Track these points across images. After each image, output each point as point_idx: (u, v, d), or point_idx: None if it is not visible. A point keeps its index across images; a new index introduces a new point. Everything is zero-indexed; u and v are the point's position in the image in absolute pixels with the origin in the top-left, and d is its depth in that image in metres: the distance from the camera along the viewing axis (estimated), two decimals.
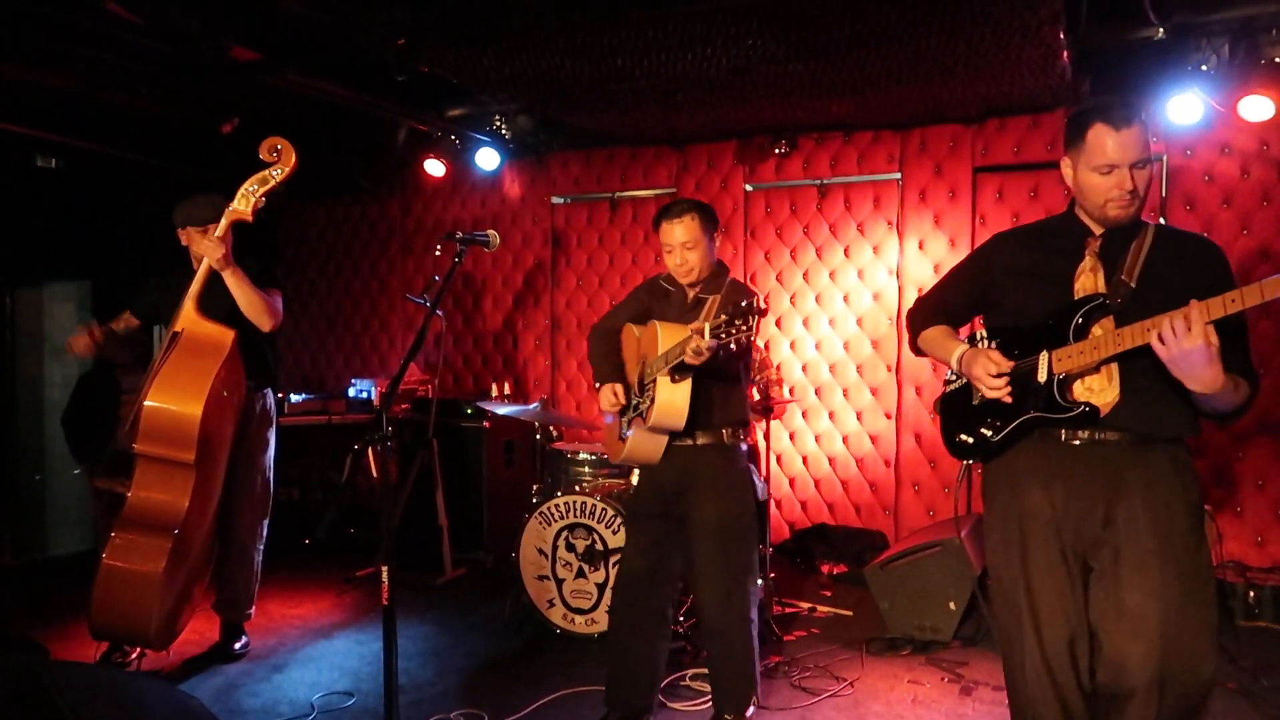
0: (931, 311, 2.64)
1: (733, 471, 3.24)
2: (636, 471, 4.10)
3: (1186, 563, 2.20)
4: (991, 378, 2.30)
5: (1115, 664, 2.23)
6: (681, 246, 3.18)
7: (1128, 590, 2.20)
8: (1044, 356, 2.27)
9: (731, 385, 3.24)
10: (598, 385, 3.39)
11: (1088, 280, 2.29)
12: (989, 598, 2.53)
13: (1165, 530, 2.20)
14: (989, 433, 2.40)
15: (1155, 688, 2.17)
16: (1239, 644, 4.21)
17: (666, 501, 3.25)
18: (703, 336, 2.65)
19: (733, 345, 2.56)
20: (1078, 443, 2.27)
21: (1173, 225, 5.09)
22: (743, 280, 3.37)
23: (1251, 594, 4.59)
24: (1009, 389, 2.29)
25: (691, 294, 3.29)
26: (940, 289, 2.68)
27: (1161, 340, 2.02)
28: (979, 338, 2.48)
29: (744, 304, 2.55)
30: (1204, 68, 4.45)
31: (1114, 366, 2.21)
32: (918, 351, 2.70)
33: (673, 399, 3.01)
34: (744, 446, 3.31)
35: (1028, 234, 2.57)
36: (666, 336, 3.07)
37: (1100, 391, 2.23)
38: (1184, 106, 4.61)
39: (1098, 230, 2.33)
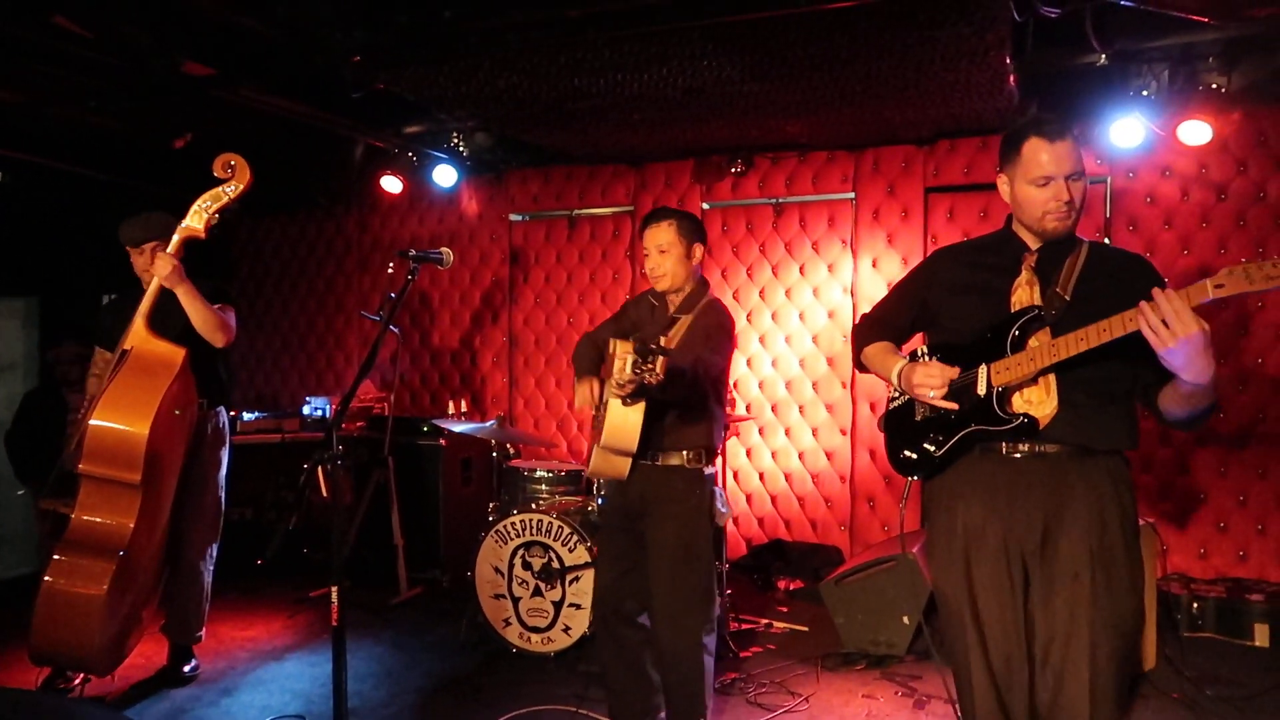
0: (873, 328, 2.66)
1: (691, 495, 3.19)
2: (597, 486, 4.11)
3: (1119, 573, 2.23)
4: (932, 385, 2.33)
5: (1053, 674, 2.26)
6: (656, 249, 3.21)
7: (1060, 599, 2.23)
8: (983, 369, 2.30)
9: (696, 410, 3.16)
10: (577, 380, 3.38)
11: (1024, 294, 2.32)
12: (937, 616, 2.54)
13: (1099, 541, 2.22)
14: (932, 448, 2.41)
15: (1089, 695, 2.21)
16: (1183, 655, 4.30)
17: (630, 518, 3.25)
18: (624, 369, 2.60)
19: (648, 380, 2.50)
20: (1018, 456, 2.29)
21: (1112, 244, 5.23)
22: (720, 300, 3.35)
23: (1195, 605, 4.69)
24: (944, 393, 2.32)
25: (671, 310, 3.29)
26: (882, 306, 2.71)
27: (1155, 330, 1.96)
28: (920, 354, 2.48)
29: (651, 345, 2.53)
30: (1145, 93, 4.59)
31: (1051, 379, 2.24)
32: (861, 368, 2.72)
33: (623, 422, 2.99)
34: (709, 471, 3.24)
35: (966, 250, 2.61)
36: (619, 357, 3.05)
37: (1039, 403, 2.25)
38: (1126, 130, 4.74)
39: (1034, 245, 2.37)
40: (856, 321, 2.80)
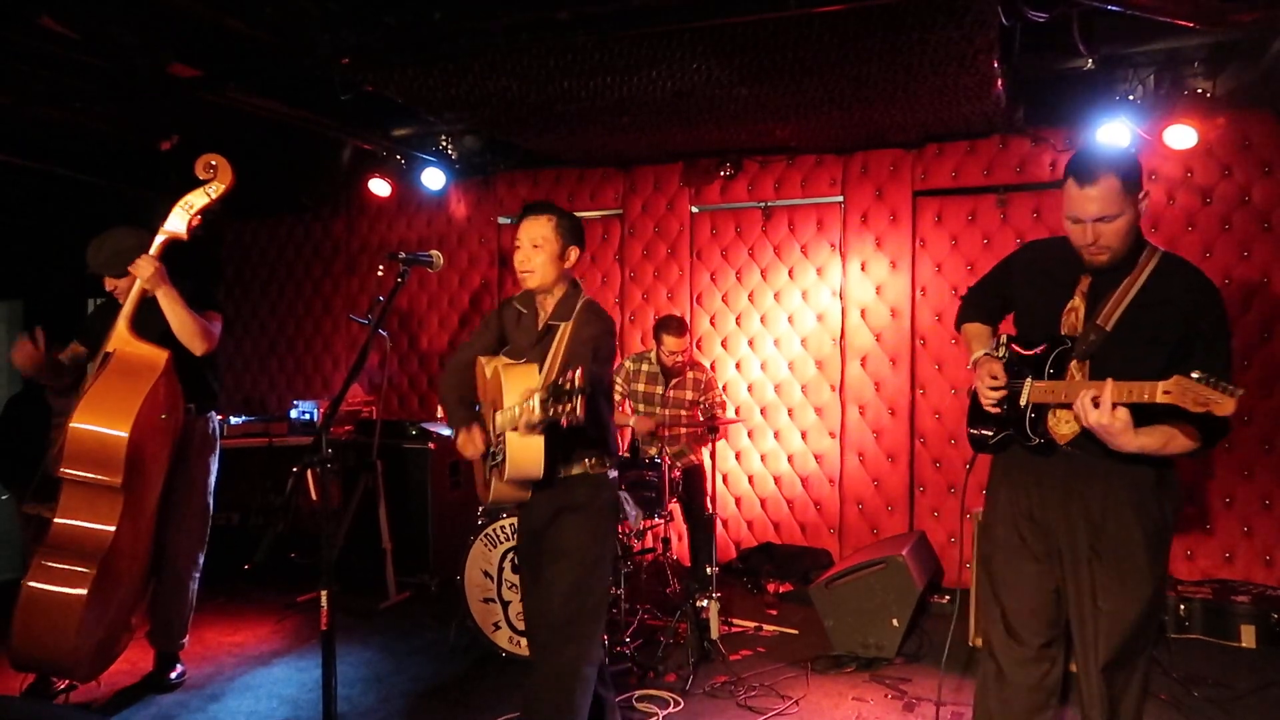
0: (972, 305, 2.89)
1: (596, 499, 2.97)
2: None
3: (1132, 566, 2.43)
4: (987, 388, 2.60)
5: (1079, 651, 2.53)
6: (529, 243, 2.96)
7: (1080, 578, 2.49)
8: (1027, 384, 2.53)
9: (605, 416, 3.03)
10: (453, 432, 3.05)
11: (1069, 319, 2.51)
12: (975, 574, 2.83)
13: (1113, 544, 2.44)
14: (989, 434, 2.69)
15: (1100, 673, 2.47)
16: (1170, 656, 4.32)
17: (537, 535, 3.01)
18: (533, 411, 2.47)
19: (565, 421, 2.38)
20: (1053, 452, 2.52)
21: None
22: (599, 303, 3.10)
23: (1182, 607, 4.72)
24: (998, 401, 2.58)
25: (542, 318, 3.03)
26: (980, 285, 2.93)
27: (1084, 406, 2.27)
28: (1001, 343, 2.69)
29: (565, 385, 2.37)
30: (1131, 97, 4.62)
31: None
32: (960, 335, 2.95)
33: (526, 454, 2.75)
34: (613, 475, 3.05)
35: (1049, 248, 2.70)
36: (511, 386, 2.79)
37: (1067, 423, 2.47)
38: (1113, 134, 4.76)
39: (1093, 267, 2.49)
40: (965, 293, 2.99)
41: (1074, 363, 2.46)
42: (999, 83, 4.40)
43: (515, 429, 2.65)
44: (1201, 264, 5.03)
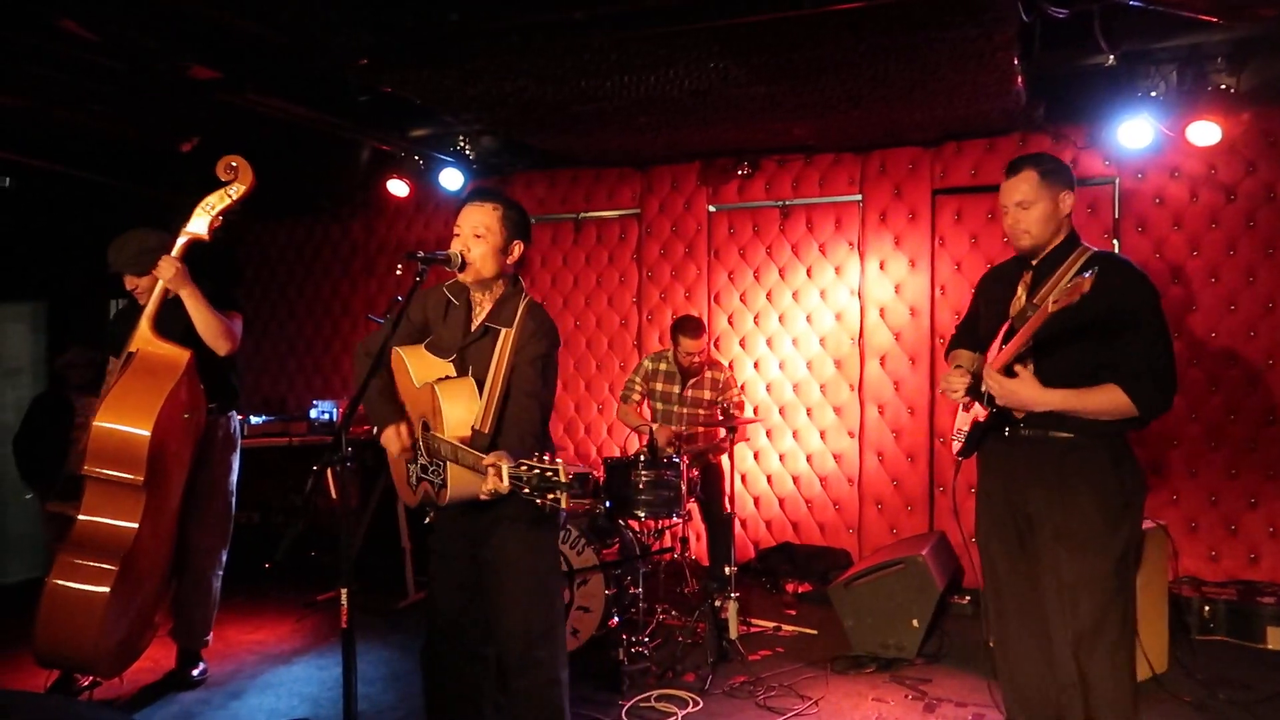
0: (957, 336, 3.25)
1: (536, 509, 2.62)
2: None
3: (1089, 538, 2.66)
4: (952, 387, 2.93)
5: (1052, 631, 2.73)
6: (470, 231, 2.71)
7: (1044, 552, 2.74)
8: (986, 370, 2.80)
9: (537, 433, 2.77)
10: (376, 430, 2.84)
11: (1016, 306, 2.84)
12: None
13: (1070, 512, 2.68)
14: (964, 429, 2.99)
15: (1070, 650, 2.68)
16: (1195, 658, 4.28)
17: (472, 542, 2.81)
18: (500, 478, 2.33)
19: (537, 501, 2.27)
20: (1016, 438, 2.82)
21: (1130, 250, 5.21)
22: (537, 305, 2.85)
23: (1206, 609, 4.67)
24: (963, 394, 2.90)
25: (478, 315, 2.81)
26: (962, 320, 3.27)
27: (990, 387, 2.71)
28: (978, 356, 3.00)
29: (550, 477, 2.24)
30: (1153, 94, 4.58)
31: (1028, 374, 2.67)
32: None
33: (467, 483, 2.54)
34: None
35: (996, 269, 3.15)
36: (451, 406, 2.62)
37: None
38: (1135, 131, 4.72)
39: (1034, 262, 2.84)
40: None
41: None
42: (1019, 80, 4.37)
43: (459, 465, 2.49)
44: (1226, 261, 5.03)
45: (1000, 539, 2.89)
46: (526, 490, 2.27)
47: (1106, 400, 2.61)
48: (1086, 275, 2.34)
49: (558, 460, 2.28)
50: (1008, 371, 2.70)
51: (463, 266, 2.71)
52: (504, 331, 2.73)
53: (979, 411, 2.90)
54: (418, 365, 2.80)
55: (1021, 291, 2.85)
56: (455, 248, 2.73)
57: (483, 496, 2.45)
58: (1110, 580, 2.66)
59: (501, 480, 2.33)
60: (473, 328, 2.80)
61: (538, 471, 2.26)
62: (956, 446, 3.04)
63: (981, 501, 2.98)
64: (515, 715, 2.82)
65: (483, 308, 2.82)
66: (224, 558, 4.16)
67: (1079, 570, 2.66)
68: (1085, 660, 2.67)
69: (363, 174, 6.40)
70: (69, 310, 6.60)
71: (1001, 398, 2.68)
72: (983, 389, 2.80)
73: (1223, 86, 4.49)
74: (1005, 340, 2.76)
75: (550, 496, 2.24)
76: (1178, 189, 5.16)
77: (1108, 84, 4.68)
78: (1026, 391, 2.64)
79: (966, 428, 2.98)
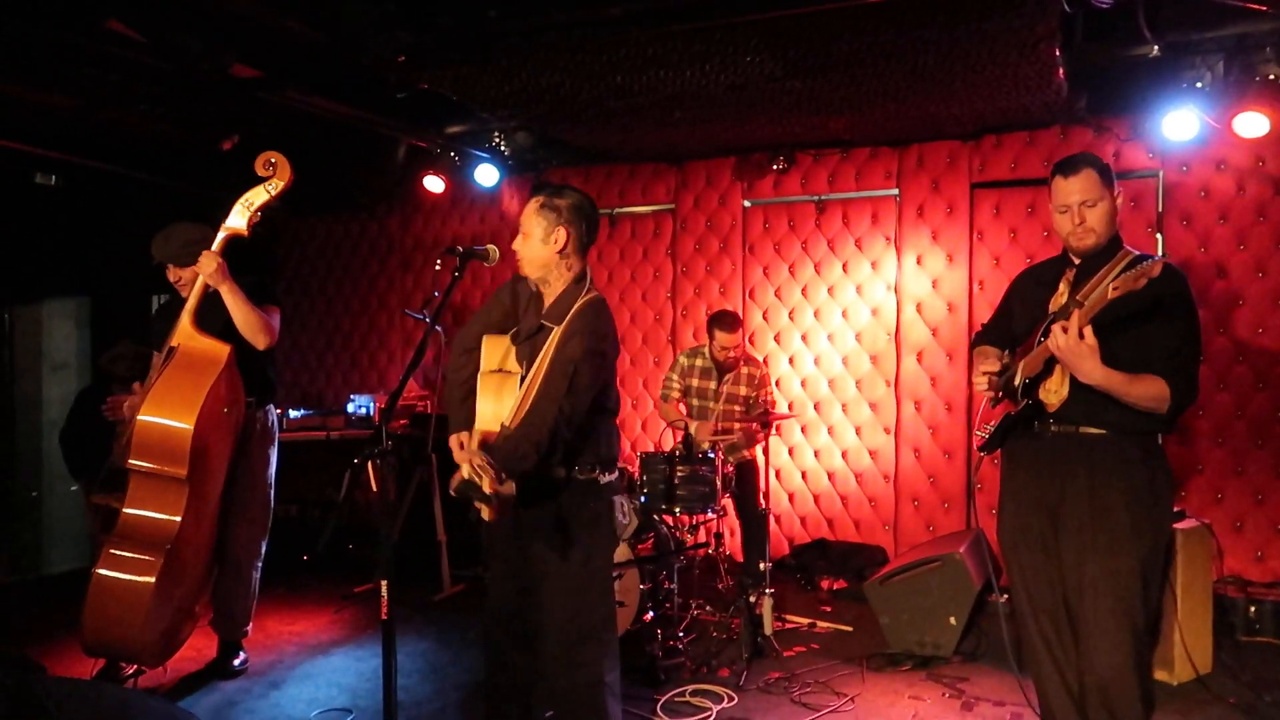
0: (983, 335, 3.18)
1: (585, 508, 2.79)
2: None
3: (1118, 536, 2.61)
4: (981, 382, 2.88)
5: (1078, 610, 2.70)
6: (521, 229, 2.79)
7: (1070, 549, 2.70)
8: (1020, 363, 2.78)
9: (594, 422, 2.81)
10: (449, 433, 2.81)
11: (1057, 302, 2.79)
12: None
13: (1098, 509, 2.65)
14: (990, 426, 2.95)
15: (1091, 644, 2.64)
16: (1240, 659, 4.20)
17: (525, 538, 2.82)
18: (461, 475, 2.35)
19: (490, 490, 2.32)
20: (1047, 434, 2.78)
21: (1174, 245, 5.12)
22: (598, 307, 2.81)
23: (1252, 609, 4.58)
24: (992, 386, 2.85)
25: (544, 311, 2.81)
26: (991, 318, 3.21)
27: (1056, 338, 2.53)
28: (1002, 356, 2.95)
29: (477, 484, 2.28)
30: (1199, 85, 4.48)
31: (1065, 369, 2.63)
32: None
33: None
34: (605, 480, 2.86)
35: (1035, 269, 3.09)
36: (483, 410, 2.66)
37: (1054, 391, 2.71)
38: (1180, 123, 4.64)
39: (1077, 262, 2.80)
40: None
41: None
42: (1060, 72, 4.30)
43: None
44: (1274, 255, 4.94)
45: (1025, 535, 2.85)
46: (471, 494, 2.31)
47: (1151, 390, 2.56)
48: (1155, 260, 2.32)
49: (490, 470, 2.30)
50: (1047, 367, 2.67)
51: (514, 263, 2.81)
52: (555, 329, 2.72)
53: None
54: (488, 354, 2.85)
55: (1064, 288, 2.80)
56: (515, 244, 2.81)
57: (451, 492, 2.47)
58: (1135, 580, 2.61)
59: (460, 479, 2.35)
60: (538, 321, 2.81)
61: (466, 479, 2.30)
62: (981, 440, 3.00)
63: (1007, 497, 2.93)
64: (558, 715, 2.84)
65: (547, 301, 2.83)
66: (263, 549, 4.21)
67: (1104, 569, 2.62)
68: (1102, 659, 2.63)
69: (399, 171, 6.45)
70: (112, 306, 6.72)
71: (1067, 353, 2.50)
72: (1016, 380, 2.74)
73: (1271, 77, 4.39)
74: (1044, 334, 2.69)
75: (475, 505, 2.29)
76: (1224, 182, 5.06)
77: (1152, 75, 4.59)
78: (1093, 360, 2.50)
79: (990, 423, 2.95)
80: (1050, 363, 2.67)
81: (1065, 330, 2.48)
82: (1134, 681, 2.61)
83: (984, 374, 2.85)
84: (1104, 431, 2.67)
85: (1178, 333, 2.62)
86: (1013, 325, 3.01)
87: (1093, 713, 2.67)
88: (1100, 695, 2.63)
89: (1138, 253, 2.73)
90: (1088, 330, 2.47)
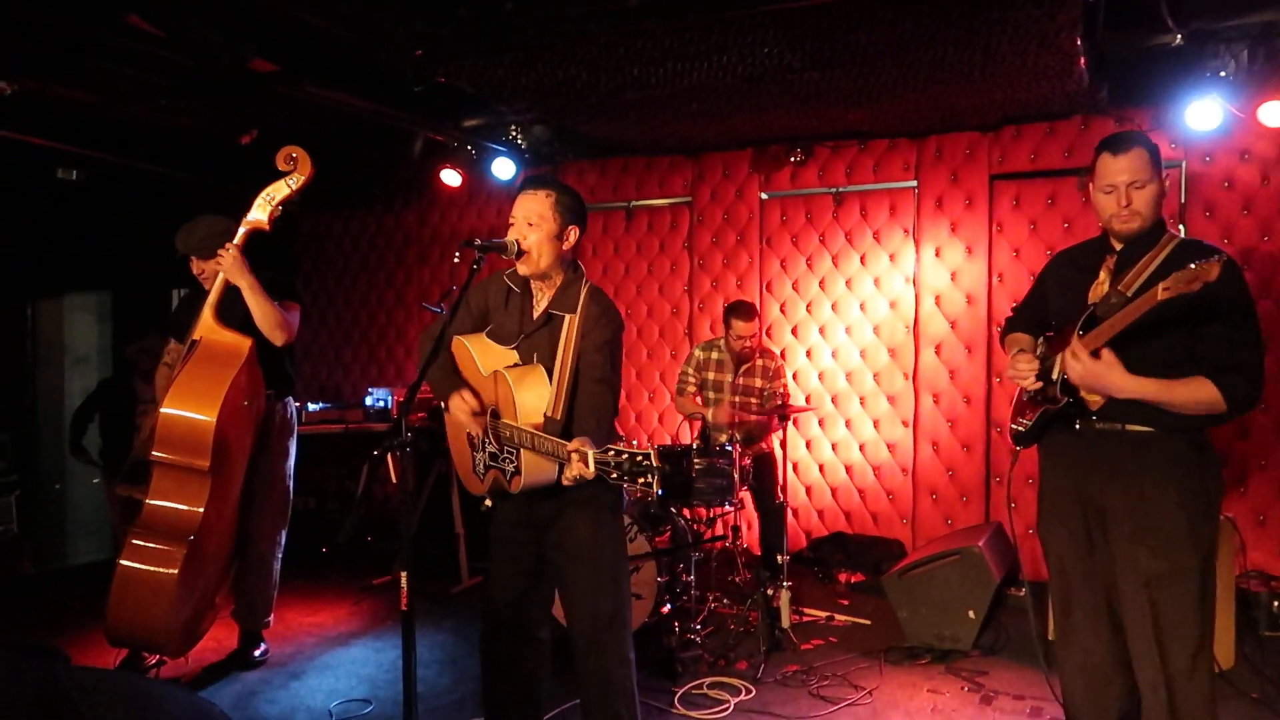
0: (1015, 319, 3.05)
1: (604, 494, 2.77)
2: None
3: (1169, 538, 2.50)
4: (1020, 374, 2.74)
5: (1125, 612, 2.59)
6: (524, 220, 2.72)
7: (1119, 551, 2.59)
8: (1058, 358, 2.63)
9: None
10: (443, 402, 2.82)
11: (1096, 291, 2.65)
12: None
13: (1151, 510, 2.53)
14: (1027, 421, 2.82)
15: (1155, 650, 2.53)
16: (1263, 654, 4.17)
17: (535, 528, 2.82)
18: (586, 464, 2.33)
19: (625, 485, 2.31)
20: (1089, 430, 2.65)
21: (1196, 236, 5.07)
22: (605, 292, 2.88)
23: (1275, 604, 4.53)
24: (1030, 378, 2.70)
25: (540, 303, 2.79)
26: (1023, 300, 3.08)
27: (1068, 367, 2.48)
28: (1038, 344, 2.84)
29: (641, 462, 2.26)
30: (1223, 74, 4.42)
31: None
32: (1004, 350, 3.05)
33: (541, 470, 2.60)
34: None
35: (1072, 252, 2.94)
36: (525, 402, 2.62)
37: None
38: (1203, 113, 4.58)
39: (1119, 247, 2.66)
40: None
41: (1097, 328, 2.53)
42: (1081, 61, 4.25)
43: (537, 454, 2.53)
44: None
45: (1068, 534, 2.73)
46: (615, 475, 2.29)
47: (1195, 393, 2.44)
48: (1212, 261, 2.19)
49: (648, 446, 2.30)
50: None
51: (519, 255, 2.72)
52: (568, 318, 2.72)
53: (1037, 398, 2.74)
54: (483, 353, 2.80)
55: (1105, 276, 2.65)
56: (511, 236, 2.72)
57: (565, 482, 2.49)
58: (1194, 579, 2.51)
59: (588, 466, 2.34)
60: (535, 315, 2.78)
61: (626, 456, 2.29)
62: (1016, 433, 2.88)
63: (1046, 495, 2.83)
64: (586, 696, 2.85)
65: (544, 295, 2.80)
66: (283, 540, 4.24)
67: (1160, 570, 2.51)
68: (1167, 661, 2.53)
69: (416, 164, 6.47)
70: (133, 300, 6.78)
71: (1085, 380, 2.47)
72: (1054, 374, 2.63)
73: None
74: (1084, 327, 2.57)
75: (641, 481, 2.26)
76: (1248, 172, 5.00)
77: (1174, 64, 4.53)
78: (1114, 376, 2.43)
79: (1026, 417, 2.82)
80: None
81: (1076, 357, 2.42)
82: (1204, 682, 2.53)
83: (1024, 368, 2.72)
84: (1150, 429, 2.54)
85: (1234, 331, 2.47)
86: (1047, 312, 2.88)
87: (1155, 714, 2.57)
88: (1166, 695, 2.54)
89: (1183, 237, 2.58)
90: (1104, 350, 2.41)
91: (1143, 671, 2.58)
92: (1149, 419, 2.53)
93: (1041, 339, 2.84)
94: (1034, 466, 5.30)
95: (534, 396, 2.64)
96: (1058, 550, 2.78)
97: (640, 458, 2.26)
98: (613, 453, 2.30)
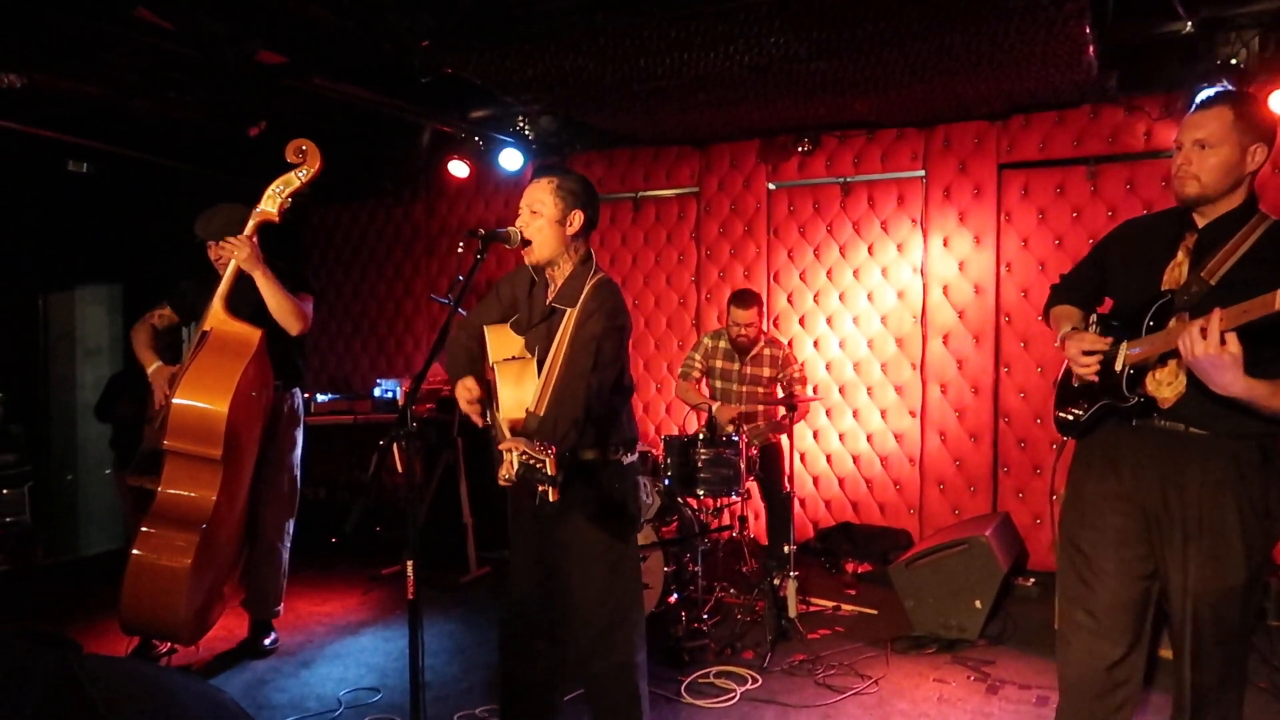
0: (1064, 290, 2.78)
1: (611, 490, 2.78)
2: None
3: (1227, 547, 2.32)
4: (1082, 357, 2.47)
5: (1177, 623, 2.42)
6: (526, 208, 2.73)
7: (1173, 558, 2.39)
8: (1123, 346, 2.42)
9: (614, 403, 2.77)
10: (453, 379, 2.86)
11: (1173, 275, 2.40)
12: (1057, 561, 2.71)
13: (1208, 516, 2.33)
14: (1079, 412, 2.58)
15: (1189, 656, 2.39)
16: (1271, 644, 4.16)
17: (541, 518, 2.79)
18: (512, 464, 2.28)
19: (543, 475, 2.25)
20: (1148, 429, 2.42)
21: None
22: (617, 283, 2.82)
23: None
24: (1095, 369, 2.45)
25: (550, 295, 2.78)
26: (1075, 269, 2.81)
27: (1191, 340, 2.14)
28: (1090, 322, 2.59)
29: (537, 466, 2.22)
30: (1234, 61, 4.40)
31: (1182, 361, 2.26)
32: (1048, 323, 2.82)
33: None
34: (629, 461, 2.84)
35: (1145, 221, 2.67)
36: (506, 396, 2.63)
37: (1167, 384, 2.36)
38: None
39: (1201, 223, 2.40)
40: (1057, 281, 2.85)
41: (1174, 319, 2.33)
42: (1090, 49, 4.23)
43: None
44: None
45: (1100, 531, 2.51)
46: (531, 473, 2.24)
47: None
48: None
49: (550, 450, 2.24)
50: (1161, 357, 2.34)
51: (525, 244, 2.72)
52: (568, 311, 2.70)
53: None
54: (496, 344, 2.82)
55: (1183, 257, 2.39)
56: (515, 226, 2.74)
57: (501, 482, 2.37)
58: (1239, 593, 2.35)
59: (513, 467, 2.28)
60: (545, 306, 2.78)
61: (529, 460, 2.22)
62: (1064, 423, 2.64)
63: (1086, 487, 2.58)
64: (591, 698, 2.83)
65: (555, 285, 2.78)
66: (290, 530, 4.27)
67: (1207, 577, 2.35)
68: (1202, 670, 2.40)
69: (424, 156, 6.48)
70: (144, 291, 6.80)
71: (1202, 364, 2.13)
72: (1118, 365, 2.40)
73: None
74: (1155, 317, 2.35)
75: (540, 489, 2.23)
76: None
77: (1185, 52, 4.51)
78: (1233, 369, 2.11)
79: (1079, 408, 2.59)
80: (1166, 354, 2.32)
81: (1204, 334, 2.09)
82: (1232, 689, 2.42)
83: (1086, 359, 2.46)
84: (1216, 434, 2.33)
85: None
86: (1104, 285, 2.64)
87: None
88: (1196, 701, 2.43)
89: (1275, 219, 2.34)
90: (1231, 337, 2.08)
91: (1178, 676, 2.45)
92: (1214, 422, 2.32)
93: (1094, 317, 2.59)
94: (1041, 457, 5.28)
95: (515, 390, 2.63)
96: (1086, 544, 2.55)
97: (536, 463, 2.22)
98: (526, 454, 2.23)
